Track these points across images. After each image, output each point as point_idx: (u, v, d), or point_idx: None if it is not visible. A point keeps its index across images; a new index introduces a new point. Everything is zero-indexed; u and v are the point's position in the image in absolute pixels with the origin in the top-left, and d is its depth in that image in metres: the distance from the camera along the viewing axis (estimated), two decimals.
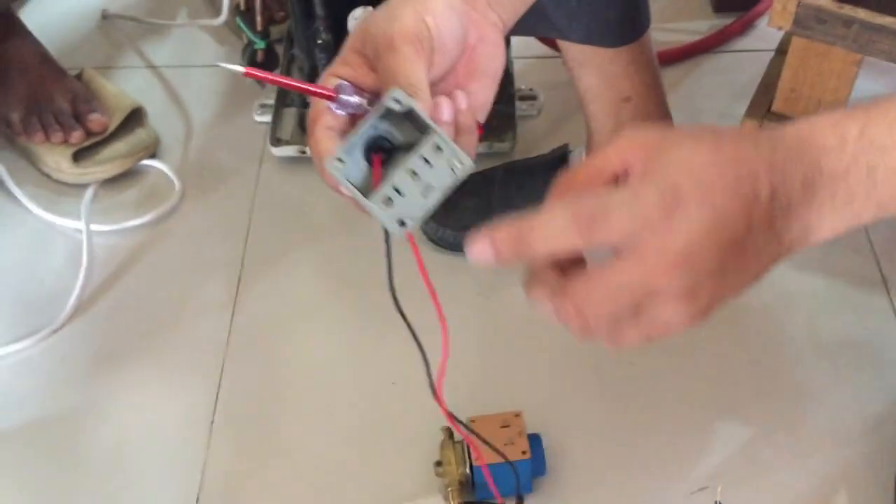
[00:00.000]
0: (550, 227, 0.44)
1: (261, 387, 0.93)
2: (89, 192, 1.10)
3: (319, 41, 1.00)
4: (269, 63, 1.06)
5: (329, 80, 0.53)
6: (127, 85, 1.24)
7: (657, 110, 0.94)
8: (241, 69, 0.51)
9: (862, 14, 0.80)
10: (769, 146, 0.43)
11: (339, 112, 0.52)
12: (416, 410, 0.90)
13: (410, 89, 0.49)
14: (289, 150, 1.12)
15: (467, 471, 0.80)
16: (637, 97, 0.91)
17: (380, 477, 0.86)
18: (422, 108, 0.49)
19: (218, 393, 0.93)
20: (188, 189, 1.12)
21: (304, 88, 0.53)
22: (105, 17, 1.36)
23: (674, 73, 1.22)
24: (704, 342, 0.94)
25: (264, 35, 1.01)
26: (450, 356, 0.93)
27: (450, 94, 0.52)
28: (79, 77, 1.18)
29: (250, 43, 1.03)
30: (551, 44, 1.20)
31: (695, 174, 0.42)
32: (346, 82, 0.51)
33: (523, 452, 0.79)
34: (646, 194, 0.42)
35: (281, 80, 0.58)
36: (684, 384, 0.91)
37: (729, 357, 0.93)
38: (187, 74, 1.27)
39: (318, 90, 0.51)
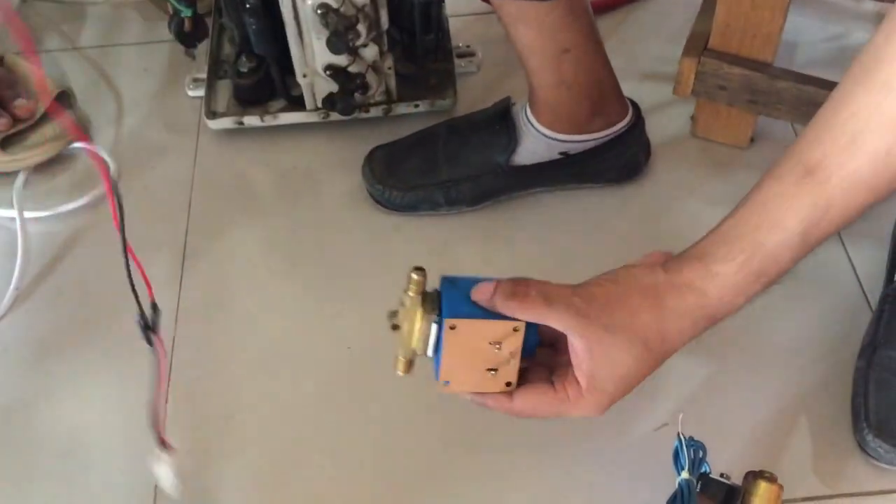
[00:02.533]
0: (536, 404, 0.66)
1: (212, 365, 0.91)
2: (20, 179, 1.06)
3: (248, 5, 0.98)
4: (197, 33, 1.03)
5: None
6: (52, 68, 1.20)
7: (597, 59, 0.94)
8: None
9: None
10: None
11: None
12: (375, 373, 0.89)
13: None
14: (225, 122, 1.09)
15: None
16: (576, 48, 0.90)
17: (341, 444, 0.85)
18: None
19: (170, 374, 0.90)
20: (124, 169, 1.09)
21: None
22: (24, 0, 1.31)
23: (608, 21, 1.22)
24: None
25: (190, 2, 0.98)
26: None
27: None
28: (0, 63, 1.14)
29: (176, 13, 1.00)
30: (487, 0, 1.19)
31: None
32: None
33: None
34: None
35: None
36: None
37: None
38: (113, 53, 1.24)
39: None
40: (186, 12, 0.99)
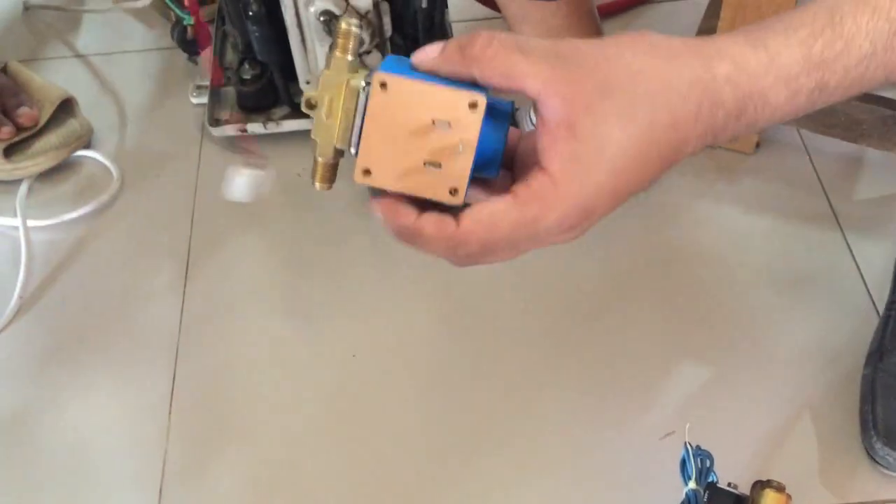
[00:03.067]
0: (489, 217, 0.42)
1: (217, 372, 0.91)
2: (24, 188, 1.06)
3: (251, 13, 0.97)
4: (200, 40, 1.03)
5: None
6: (55, 76, 1.20)
7: None
8: None
9: None
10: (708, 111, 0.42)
11: None
12: (381, 380, 0.89)
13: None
14: (228, 130, 1.09)
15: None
16: None
17: (346, 454, 0.84)
18: None
19: (174, 382, 0.90)
20: (127, 177, 1.09)
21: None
22: (27, 7, 1.31)
23: (615, 25, 1.21)
24: (658, 290, 0.94)
25: (193, 10, 0.98)
26: (403, 322, 0.92)
27: None
28: (3, 71, 1.14)
29: (178, 20, 0.99)
30: (490, 4, 1.18)
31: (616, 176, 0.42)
32: None
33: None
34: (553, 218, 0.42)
35: None
36: (641, 334, 0.90)
37: (684, 302, 0.93)
38: (116, 61, 1.23)
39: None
40: (189, 20, 0.99)
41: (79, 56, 1.25)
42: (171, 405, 0.88)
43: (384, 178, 0.43)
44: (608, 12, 1.22)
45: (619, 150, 0.41)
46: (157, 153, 1.12)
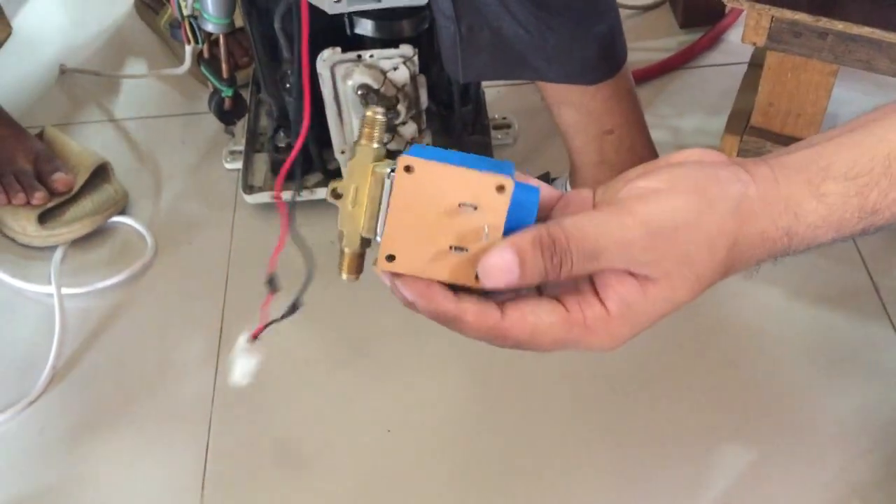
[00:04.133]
0: (536, 324, 0.43)
1: (251, 445, 0.90)
2: (58, 255, 1.06)
3: (288, 84, 0.98)
4: (237, 110, 1.04)
5: None
6: (90, 140, 1.21)
7: (639, 139, 0.93)
8: None
9: (839, 26, 0.79)
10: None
11: None
12: (415, 458, 0.88)
13: None
14: (262, 197, 1.09)
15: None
16: (619, 128, 0.89)
17: None
18: None
19: (206, 456, 0.89)
20: (161, 243, 1.09)
21: None
22: (63, 72, 1.33)
23: (646, 91, 1.21)
24: (695, 366, 0.93)
25: (231, 82, 0.98)
26: (436, 395, 0.90)
27: None
28: (40, 136, 1.15)
29: (216, 91, 1.00)
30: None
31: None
32: None
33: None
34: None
35: None
36: (682, 413, 0.89)
37: (725, 381, 0.91)
38: (152, 126, 1.24)
39: None
40: (227, 92, 0.99)
41: (114, 120, 1.26)
42: (203, 481, 0.87)
43: (409, 264, 0.41)
44: (643, 78, 1.22)
45: (680, 304, 0.43)
46: (190, 219, 1.12)
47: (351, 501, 0.85)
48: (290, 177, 1.10)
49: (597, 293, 0.42)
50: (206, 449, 0.90)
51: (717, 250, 0.42)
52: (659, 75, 1.23)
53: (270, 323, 0.94)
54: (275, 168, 1.10)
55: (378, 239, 0.43)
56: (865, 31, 0.79)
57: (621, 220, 0.41)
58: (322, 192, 1.09)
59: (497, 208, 0.41)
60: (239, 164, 1.13)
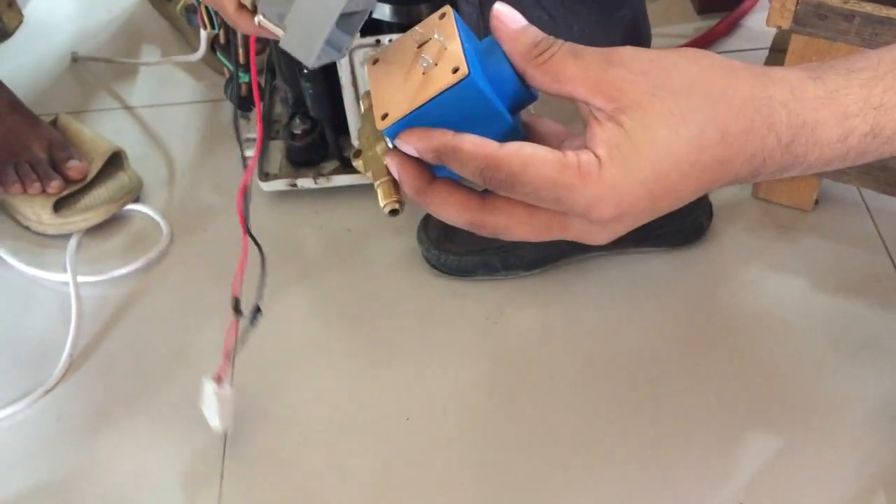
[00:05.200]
0: (531, 157, 0.41)
1: (268, 430, 0.89)
2: (73, 243, 1.06)
3: (305, 70, 0.97)
4: (253, 97, 1.03)
5: None
6: (104, 128, 1.20)
7: None
8: None
9: (868, 7, 0.78)
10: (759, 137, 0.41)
11: None
12: (435, 445, 0.87)
13: None
14: (278, 185, 1.08)
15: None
16: None
17: None
18: None
19: (225, 441, 0.89)
20: (176, 231, 1.08)
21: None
22: (75, 59, 1.32)
23: None
24: (717, 354, 0.92)
25: (247, 68, 0.98)
26: (456, 384, 0.90)
27: None
28: (54, 123, 1.14)
29: (232, 77, 0.99)
30: None
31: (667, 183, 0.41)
32: None
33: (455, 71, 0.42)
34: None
35: None
36: (708, 403, 0.88)
37: (748, 371, 0.90)
38: (165, 113, 1.24)
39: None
40: (244, 78, 0.98)
41: (127, 108, 1.25)
42: (222, 467, 0.87)
43: (399, 108, 0.43)
44: None
45: (664, 149, 0.40)
46: (205, 207, 1.11)
47: (372, 486, 0.85)
48: (306, 163, 1.10)
49: (586, 147, 0.41)
50: (224, 442, 0.89)
51: (695, 93, 0.40)
52: None
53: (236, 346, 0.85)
54: (290, 155, 1.10)
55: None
56: (894, 13, 0.78)
57: (604, 52, 0.42)
58: (338, 180, 1.08)
59: (445, 26, 0.43)
60: (253, 152, 1.12)
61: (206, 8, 0.95)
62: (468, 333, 0.96)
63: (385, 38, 0.92)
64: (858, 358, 0.91)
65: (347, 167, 1.08)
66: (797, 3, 0.83)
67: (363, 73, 0.94)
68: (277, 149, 1.12)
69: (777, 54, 1.04)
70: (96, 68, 1.31)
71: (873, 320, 0.93)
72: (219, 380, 0.82)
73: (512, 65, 0.42)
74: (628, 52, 0.41)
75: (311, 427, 0.90)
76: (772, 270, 0.99)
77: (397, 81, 0.43)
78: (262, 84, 1.12)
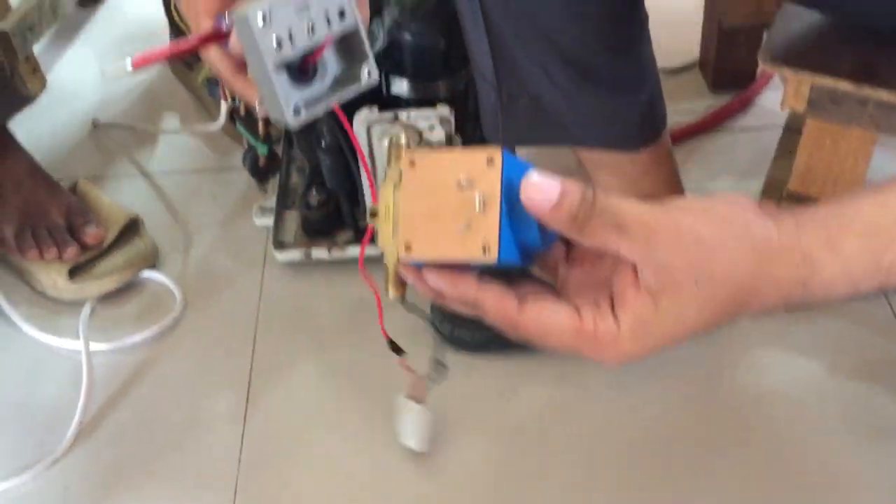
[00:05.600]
0: (549, 325, 0.44)
1: (280, 499, 0.88)
2: (87, 309, 1.06)
3: (323, 144, 0.98)
4: (272, 166, 1.04)
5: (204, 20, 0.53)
6: (122, 194, 1.21)
7: None
8: (128, 65, 0.50)
9: (882, 94, 0.78)
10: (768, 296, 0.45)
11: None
12: None
13: None
14: (292, 254, 1.09)
15: None
16: (657, 193, 0.89)
17: None
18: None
19: None
20: (190, 299, 1.08)
21: (190, 45, 0.53)
22: (96, 126, 1.34)
23: (678, 154, 1.19)
24: (734, 441, 0.90)
25: (267, 140, 0.99)
26: (467, 460, 0.89)
27: None
28: (73, 189, 1.16)
29: (251, 148, 1.01)
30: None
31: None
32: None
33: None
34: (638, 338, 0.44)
35: (166, 51, 0.54)
36: (722, 486, 0.87)
37: (762, 454, 0.89)
38: (184, 181, 1.25)
39: (202, 38, 0.53)
40: (263, 150, 1.00)
41: (146, 175, 1.26)
42: None
43: (423, 250, 0.43)
44: (674, 140, 1.21)
45: (684, 325, 0.44)
46: (220, 275, 1.12)
47: None
48: (321, 233, 1.10)
49: (613, 308, 0.44)
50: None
51: (731, 280, 0.44)
52: (690, 138, 1.23)
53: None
54: (305, 225, 1.10)
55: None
56: None
57: (654, 211, 0.43)
58: (353, 251, 1.08)
59: (490, 179, 0.42)
60: (269, 221, 1.13)
61: None
62: (478, 408, 0.95)
63: (403, 114, 0.93)
64: (877, 443, 0.89)
65: (362, 237, 1.09)
66: (811, 87, 0.84)
67: (381, 147, 0.95)
68: (293, 218, 1.13)
69: (791, 134, 1.05)
70: (117, 135, 1.33)
71: (890, 406, 0.92)
72: (415, 398, 0.82)
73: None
74: (671, 232, 0.43)
75: (318, 497, 0.88)
76: (787, 351, 0.98)
77: (428, 213, 0.43)
78: (279, 154, 1.13)
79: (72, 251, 1.08)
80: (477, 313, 0.44)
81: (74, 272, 1.08)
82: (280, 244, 1.10)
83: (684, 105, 1.29)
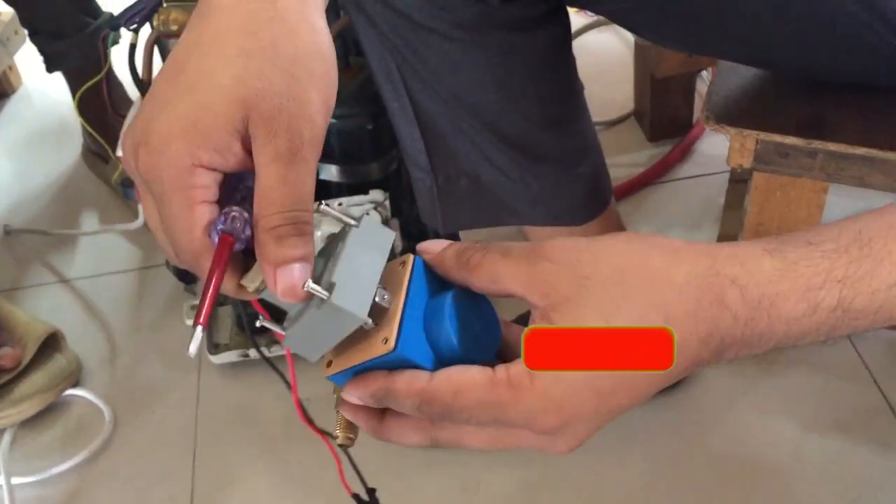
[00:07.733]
0: (461, 381, 0.40)
1: None
2: (6, 439, 0.97)
3: None
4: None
5: (202, 211, 0.41)
6: (39, 306, 1.13)
7: None
8: (199, 333, 0.43)
9: (832, 147, 0.75)
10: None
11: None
12: None
13: None
14: (229, 356, 1.02)
15: None
16: None
17: None
18: None
19: None
20: (120, 416, 1.00)
21: (221, 272, 0.44)
22: (7, 232, 1.25)
23: (621, 208, 1.16)
24: None
25: None
26: None
27: None
28: None
29: None
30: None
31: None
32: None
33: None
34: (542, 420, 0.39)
35: (213, 294, 0.44)
36: None
37: None
38: (105, 284, 1.17)
39: (223, 260, 0.43)
40: None
41: (64, 281, 1.18)
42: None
43: (339, 361, 0.44)
44: (617, 195, 1.18)
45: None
46: (152, 385, 1.04)
47: None
48: (260, 330, 1.03)
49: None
50: None
51: (634, 283, 0.39)
52: (634, 192, 1.19)
53: None
54: (241, 323, 1.03)
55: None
56: (860, 150, 0.76)
57: (542, 243, 0.41)
58: None
59: (397, 281, 0.43)
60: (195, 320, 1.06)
61: None
62: (434, 497, 0.89)
63: (335, 202, 0.87)
64: (858, 498, 0.85)
65: None
66: (757, 142, 0.81)
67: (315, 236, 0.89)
68: (227, 315, 1.05)
69: (736, 185, 1.01)
70: (30, 241, 1.25)
71: (872, 461, 0.88)
72: None
73: (454, 298, 0.42)
74: (557, 244, 0.40)
75: None
76: (758, 412, 0.93)
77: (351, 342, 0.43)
78: None
79: None
80: (394, 404, 0.41)
81: None
82: (215, 346, 1.03)
83: (625, 157, 1.25)
